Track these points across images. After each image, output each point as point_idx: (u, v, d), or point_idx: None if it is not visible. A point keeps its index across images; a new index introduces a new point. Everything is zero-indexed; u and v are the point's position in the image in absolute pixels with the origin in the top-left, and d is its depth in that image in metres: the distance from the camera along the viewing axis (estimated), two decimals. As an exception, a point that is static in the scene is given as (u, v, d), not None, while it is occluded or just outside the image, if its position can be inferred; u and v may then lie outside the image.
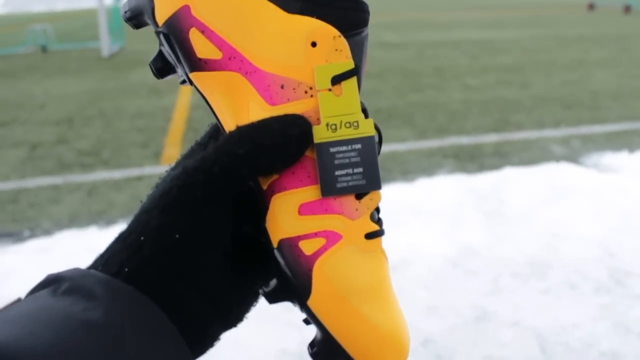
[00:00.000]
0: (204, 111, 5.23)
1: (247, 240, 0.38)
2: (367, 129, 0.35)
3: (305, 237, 0.35)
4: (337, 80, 0.34)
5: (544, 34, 9.97)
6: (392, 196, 3.06)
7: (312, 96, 0.34)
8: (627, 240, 2.55)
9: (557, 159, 3.70)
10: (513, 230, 2.67)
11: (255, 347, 1.91)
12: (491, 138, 4.29)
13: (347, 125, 0.35)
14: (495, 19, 12.44)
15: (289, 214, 0.35)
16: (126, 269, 0.33)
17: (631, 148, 3.90)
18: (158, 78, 0.40)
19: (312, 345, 0.38)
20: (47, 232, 2.92)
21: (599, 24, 11.31)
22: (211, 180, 0.33)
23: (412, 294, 2.19)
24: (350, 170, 0.35)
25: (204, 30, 0.34)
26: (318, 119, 0.34)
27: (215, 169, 0.33)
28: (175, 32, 0.35)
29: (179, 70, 0.38)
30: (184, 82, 0.39)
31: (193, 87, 0.38)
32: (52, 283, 0.32)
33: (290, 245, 0.35)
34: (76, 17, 16.89)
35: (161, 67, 0.38)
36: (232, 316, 0.37)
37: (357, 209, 0.35)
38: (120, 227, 2.06)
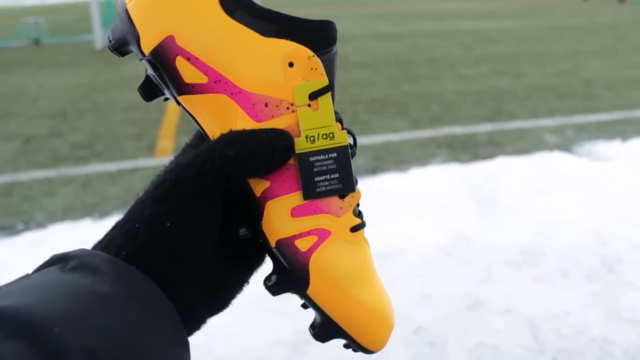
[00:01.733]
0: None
1: (235, 237, 0.42)
2: (341, 139, 0.39)
3: (300, 236, 0.39)
4: (314, 96, 0.38)
5: (538, 24, 9.96)
6: (386, 186, 3.07)
7: (293, 112, 0.38)
8: (618, 228, 2.57)
9: (551, 148, 3.72)
10: (506, 219, 2.68)
11: (249, 337, 1.92)
12: (485, 128, 4.29)
13: (324, 136, 0.39)
14: (489, 9, 12.42)
15: (283, 217, 0.39)
16: (123, 253, 0.36)
17: (624, 137, 3.91)
18: (147, 101, 0.43)
19: (312, 327, 0.43)
20: (41, 225, 2.92)
21: (594, 14, 11.31)
22: (202, 176, 0.36)
23: (406, 282, 2.20)
24: (328, 176, 0.39)
25: (189, 58, 0.38)
26: (299, 132, 0.38)
27: (206, 166, 0.36)
28: (162, 60, 0.38)
29: (167, 92, 0.40)
30: (167, 99, 0.42)
31: (180, 107, 0.41)
32: (59, 261, 0.35)
33: (287, 244, 0.39)
34: (69, 9, 16.79)
35: (150, 91, 0.41)
36: (218, 302, 0.41)
37: (341, 207, 0.40)
38: (114, 220, 2.06)
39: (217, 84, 0.38)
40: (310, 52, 0.38)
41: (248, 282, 0.43)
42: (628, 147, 3.69)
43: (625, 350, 1.87)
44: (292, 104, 0.38)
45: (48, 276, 0.33)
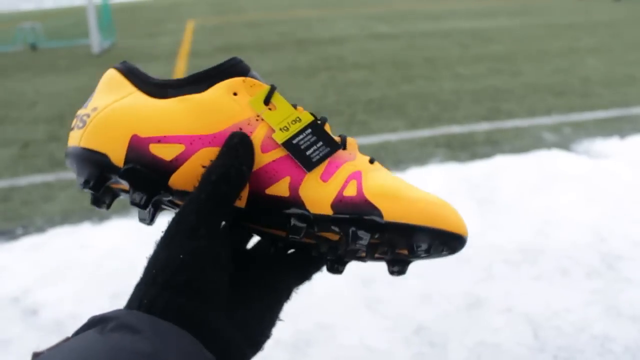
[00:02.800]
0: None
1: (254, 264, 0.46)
2: (307, 117, 0.46)
3: (343, 188, 0.44)
4: (267, 101, 0.45)
5: (534, 22, 9.97)
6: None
7: (262, 120, 0.44)
8: (618, 226, 2.57)
9: (549, 146, 3.72)
10: (505, 217, 2.68)
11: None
12: (483, 127, 4.30)
13: (293, 122, 0.45)
14: (485, 9, 12.43)
15: (318, 188, 0.44)
16: (145, 301, 0.37)
17: (622, 134, 3.92)
18: (149, 223, 0.46)
19: (391, 266, 0.47)
20: (41, 229, 2.92)
21: (590, 12, 11.32)
22: (201, 205, 0.39)
23: (405, 282, 2.20)
24: (315, 147, 0.45)
25: (160, 140, 0.42)
26: (273, 130, 0.44)
27: (202, 196, 0.40)
28: (139, 157, 0.42)
29: (151, 195, 0.43)
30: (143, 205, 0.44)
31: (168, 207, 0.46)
32: (98, 323, 0.36)
33: (339, 200, 0.43)
34: (65, 14, 16.77)
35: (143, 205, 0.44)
36: (255, 333, 0.43)
37: (350, 153, 0.47)
38: (113, 223, 2.09)
39: (193, 144, 0.42)
40: (241, 78, 0.45)
41: (280, 312, 0.46)
42: (626, 144, 3.69)
43: (626, 347, 1.87)
44: (257, 116, 0.44)
45: (88, 339, 0.34)
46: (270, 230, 0.45)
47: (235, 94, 0.44)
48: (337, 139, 0.47)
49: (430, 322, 2.00)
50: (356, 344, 1.91)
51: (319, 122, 0.47)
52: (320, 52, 7.73)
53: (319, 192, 0.43)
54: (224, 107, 0.44)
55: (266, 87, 0.45)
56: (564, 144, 3.79)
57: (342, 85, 5.79)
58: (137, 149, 0.42)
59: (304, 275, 0.48)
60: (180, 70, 6.87)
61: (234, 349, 0.39)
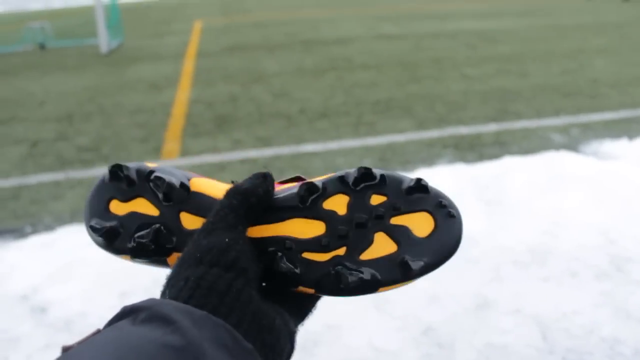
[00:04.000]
0: (203, 106, 5.22)
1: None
2: None
3: None
4: None
5: (542, 23, 9.94)
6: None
7: None
8: (627, 227, 2.55)
9: (557, 147, 3.71)
10: (513, 218, 2.67)
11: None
12: (491, 128, 4.29)
13: None
14: (492, 10, 12.40)
15: None
16: (192, 278, 0.39)
17: (630, 135, 3.90)
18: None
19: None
20: (49, 227, 2.93)
21: (598, 13, 11.27)
22: (235, 209, 0.44)
23: (413, 283, 2.19)
24: None
25: None
26: None
27: (234, 202, 0.44)
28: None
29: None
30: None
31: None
32: (130, 313, 0.35)
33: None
34: (74, 14, 16.84)
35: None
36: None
37: None
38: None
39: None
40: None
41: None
42: (635, 146, 3.67)
43: (636, 349, 1.86)
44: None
45: (119, 332, 0.33)
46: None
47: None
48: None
49: (438, 323, 2.00)
50: (364, 345, 1.90)
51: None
52: (327, 53, 7.73)
53: None
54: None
55: None
56: (572, 145, 3.78)
57: (349, 85, 5.78)
58: None
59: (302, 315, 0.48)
60: (188, 71, 6.88)
61: (278, 330, 0.40)
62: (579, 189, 2.93)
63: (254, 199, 0.45)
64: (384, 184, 0.46)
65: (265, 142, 4.14)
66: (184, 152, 4.03)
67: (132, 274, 2.30)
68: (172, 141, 4.30)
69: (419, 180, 0.46)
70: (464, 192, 2.95)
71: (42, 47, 9.79)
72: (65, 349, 0.33)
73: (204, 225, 0.43)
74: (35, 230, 2.92)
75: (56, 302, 2.21)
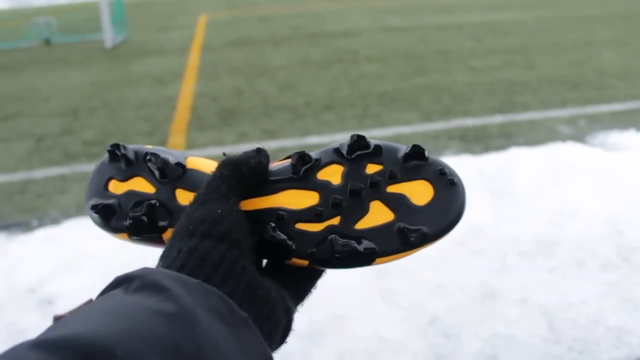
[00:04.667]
0: (209, 100, 5.22)
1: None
2: None
3: None
4: None
5: (549, 15, 9.87)
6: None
7: None
8: (634, 218, 2.54)
9: (564, 138, 3.69)
10: (519, 209, 2.66)
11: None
12: (497, 119, 4.27)
13: None
14: (499, 1, 12.32)
15: None
16: (185, 249, 0.39)
17: (638, 126, 3.87)
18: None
19: None
20: (55, 221, 2.94)
21: (606, 4, 11.18)
22: (227, 179, 0.43)
23: (420, 274, 2.19)
24: None
25: None
26: None
27: (225, 173, 0.43)
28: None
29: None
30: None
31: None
32: (122, 283, 0.35)
33: None
34: (79, 9, 16.86)
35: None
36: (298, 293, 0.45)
37: None
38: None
39: None
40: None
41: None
42: (642, 137, 3.65)
43: (643, 339, 1.85)
44: None
45: (111, 300, 0.33)
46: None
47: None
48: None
49: (444, 313, 1.99)
50: (370, 335, 1.90)
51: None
52: (333, 46, 7.71)
53: None
54: None
55: None
56: (579, 137, 3.75)
57: (355, 78, 5.77)
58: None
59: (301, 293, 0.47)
60: (193, 65, 6.88)
61: (274, 301, 0.40)
62: (586, 179, 2.91)
63: (246, 169, 0.44)
64: (379, 152, 0.45)
65: (270, 135, 4.14)
66: (190, 146, 4.04)
67: (138, 266, 2.30)
68: (177, 134, 4.30)
69: (415, 146, 0.44)
70: (470, 184, 2.93)
71: (47, 42, 9.81)
72: (57, 318, 0.33)
73: (196, 197, 0.42)
74: (41, 224, 2.93)
75: (63, 294, 2.22)
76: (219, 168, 0.44)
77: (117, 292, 0.34)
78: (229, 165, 0.44)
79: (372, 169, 0.44)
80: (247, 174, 0.44)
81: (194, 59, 7.27)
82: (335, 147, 0.45)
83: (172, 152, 0.49)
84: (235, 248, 0.39)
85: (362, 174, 0.44)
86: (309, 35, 8.81)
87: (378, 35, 8.43)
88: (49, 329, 0.31)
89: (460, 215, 0.43)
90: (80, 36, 10.19)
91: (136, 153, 0.49)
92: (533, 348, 1.84)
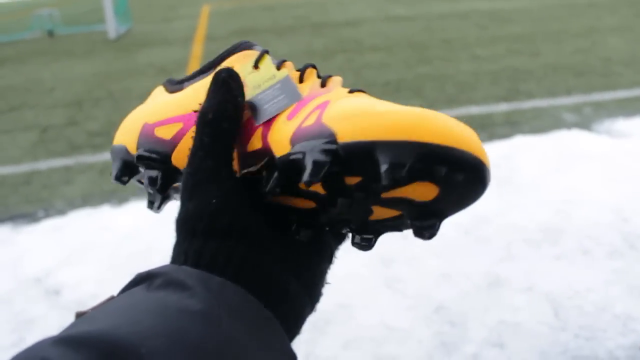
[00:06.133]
0: (212, 89, 5.21)
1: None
2: (281, 75, 0.44)
3: (303, 121, 0.38)
4: (255, 65, 0.45)
5: (554, 2, 9.80)
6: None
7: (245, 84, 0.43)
8: (640, 205, 2.53)
9: (569, 126, 3.67)
10: (525, 197, 2.65)
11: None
12: (501, 107, 4.25)
13: (267, 80, 0.44)
14: (504, -11, 12.24)
15: (283, 127, 0.39)
16: (190, 253, 0.36)
17: (644, 113, 3.85)
18: (156, 210, 0.48)
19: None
20: (61, 212, 2.95)
21: (611, -9, 11.10)
22: (210, 148, 0.39)
23: (425, 262, 2.19)
24: (274, 100, 0.42)
25: (163, 122, 0.45)
26: (245, 87, 0.43)
27: (205, 139, 0.39)
28: (146, 142, 0.45)
29: (155, 175, 0.45)
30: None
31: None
32: (144, 280, 0.34)
33: (296, 133, 0.37)
34: (82, 0, 16.84)
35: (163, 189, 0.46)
36: (317, 289, 0.41)
37: (328, 89, 0.43)
38: (132, 205, 2.09)
39: (190, 119, 0.43)
40: (241, 53, 0.46)
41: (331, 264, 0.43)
42: (648, 124, 3.62)
43: (649, 326, 1.85)
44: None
45: (134, 297, 0.32)
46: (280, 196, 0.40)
47: (233, 67, 0.44)
48: (311, 82, 0.44)
49: (450, 301, 1.99)
50: (376, 323, 1.91)
51: (297, 71, 0.45)
52: (337, 35, 7.68)
53: (281, 132, 0.38)
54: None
55: (255, 54, 0.45)
56: (585, 124, 3.73)
57: (359, 67, 5.75)
58: (145, 135, 0.45)
59: (341, 235, 0.44)
60: (197, 55, 6.87)
61: (293, 295, 0.37)
62: (592, 167, 2.90)
63: (226, 123, 0.39)
64: (349, 163, 0.34)
65: (274, 125, 4.13)
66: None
67: (144, 256, 2.31)
68: (181, 125, 4.30)
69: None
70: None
71: (50, 34, 9.80)
72: (79, 315, 0.32)
73: (184, 180, 0.38)
74: (47, 215, 2.94)
75: (69, 284, 2.23)
76: (197, 134, 0.39)
77: (139, 289, 0.33)
78: (206, 128, 0.39)
79: (351, 180, 0.35)
80: (230, 127, 0.39)
81: (197, 49, 7.26)
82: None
83: None
84: (243, 241, 0.36)
85: (345, 185, 0.36)
86: (313, 25, 8.77)
87: (382, 25, 8.39)
88: (72, 326, 0.30)
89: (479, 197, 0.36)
90: (83, 27, 10.18)
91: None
92: (539, 335, 1.84)
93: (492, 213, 2.51)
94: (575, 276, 2.10)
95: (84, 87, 5.75)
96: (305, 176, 0.34)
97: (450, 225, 2.42)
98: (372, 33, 7.68)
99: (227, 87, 0.40)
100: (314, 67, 0.46)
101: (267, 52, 0.46)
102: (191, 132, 0.41)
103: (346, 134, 0.33)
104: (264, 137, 0.40)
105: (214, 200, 0.37)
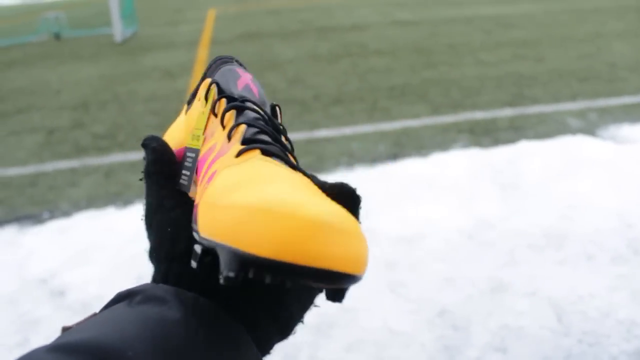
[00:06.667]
0: (218, 93, 5.22)
1: None
2: (197, 144, 0.46)
3: (201, 193, 0.39)
4: (213, 106, 0.46)
5: (559, 7, 9.79)
6: (407, 171, 3.06)
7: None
8: (645, 211, 2.53)
9: (574, 131, 3.66)
10: (529, 202, 2.65)
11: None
12: (506, 112, 4.25)
13: (196, 137, 0.46)
14: (509, -6, 12.24)
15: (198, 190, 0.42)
16: (157, 277, 0.41)
17: (649, 119, 3.84)
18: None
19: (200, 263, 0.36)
20: (66, 213, 2.96)
21: (616, -4, 11.08)
22: (149, 187, 0.46)
23: (429, 266, 2.19)
24: (186, 171, 0.45)
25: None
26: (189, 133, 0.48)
27: (148, 181, 0.46)
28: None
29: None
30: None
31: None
32: (125, 297, 0.37)
33: (195, 209, 0.39)
34: (88, 4, 16.90)
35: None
36: (283, 317, 0.41)
37: (229, 146, 0.41)
38: (136, 208, 2.10)
39: (179, 153, 0.49)
40: (208, 83, 0.49)
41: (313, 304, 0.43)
42: (653, 130, 3.62)
43: (653, 331, 1.85)
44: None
45: (116, 312, 0.35)
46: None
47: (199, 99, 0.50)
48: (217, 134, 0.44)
49: (453, 305, 1.99)
50: (379, 327, 1.91)
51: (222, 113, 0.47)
52: (342, 39, 7.69)
53: (206, 207, 0.35)
54: (192, 119, 0.49)
55: (209, 90, 0.49)
56: (590, 130, 3.73)
57: (364, 71, 5.76)
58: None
59: (306, 302, 0.42)
60: (202, 59, 6.89)
61: (252, 319, 0.38)
62: (596, 172, 2.89)
63: (157, 175, 0.46)
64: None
65: (279, 129, 4.13)
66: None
67: (147, 259, 2.32)
68: (186, 128, 4.31)
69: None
70: (479, 177, 2.93)
71: (57, 37, 9.85)
72: (65, 329, 0.35)
73: (143, 217, 0.45)
74: (52, 216, 2.96)
75: (74, 285, 2.24)
76: (145, 177, 0.46)
77: (121, 305, 0.36)
78: (147, 177, 0.46)
79: None
80: (161, 173, 0.45)
81: (203, 53, 7.28)
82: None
83: None
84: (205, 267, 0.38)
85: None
86: (318, 29, 8.79)
87: (387, 29, 8.40)
88: (61, 337, 0.33)
89: None
90: (90, 30, 10.22)
91: None
92: (542, 340, 1.84)
93: (496, 218, 2.51)
94: (578, 281, 2.09)
95: (90, 89, 5.77)
96: (192, 263, 0.37)
97: (454, 230, 2.43)
98: (377, 37, 7.69)
99: (155, 153, 0.46)
100: (241, 107, 0.44)
101: (216, 83, 0.48)
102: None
103: (203, 228, 0.34)
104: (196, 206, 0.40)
105: (169, 229, 0.41)
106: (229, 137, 0.41)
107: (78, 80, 6.28)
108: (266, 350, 0.40)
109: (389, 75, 5.54)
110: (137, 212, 2.84)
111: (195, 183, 0.43)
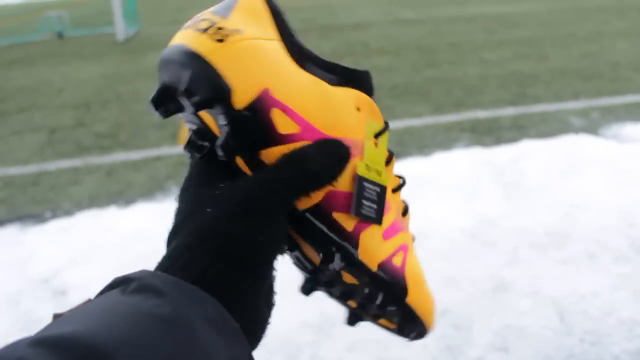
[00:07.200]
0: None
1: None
2: (385, 179, 0.45)
3: (393, 255, 0.46)
4: (377, 135, 0.44)
5: (562, 6, 9.78)
6: (409, 170, 3.05)
7: (363, 145, 0.43)
8: (647, 210, 2.52)
9: (576, 130, 3.66)
10: (531, 201, 2.65)
11: (274, 320, 1.92)
12: (509, 111, 4.24)
13: (376, 172, 0.44)
14: (512, -7, 12.23)
15: (377, 242, 0.44)
16: (210, 274, 0.36)
17: (652, 118, 3.83)
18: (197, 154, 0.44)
19: (400, 331, 0.52)
20: (68, 212, 2.97)
21: (619, -5, 11.06)
22: (282, 190, 0.38)
23: (430, 265, 2.18)
24: (370, 204, 0.43)
25: (285, 110, 0.40)
26: (362, 159, 0.43)
27: (284, 178, 0.39)
28: (259, 113, 0.39)
29: (220, 148, 0.40)
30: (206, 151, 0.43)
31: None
32: (120, 284, 0.35)
33: (387, 264, 0.45)
34: (91, 2, 16.92)
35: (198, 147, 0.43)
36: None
37: (404, 223, 0.49)
38: (139, 207, 2.10)
39: (306, 132, 0.40)
40: (369, 98, 0.44)
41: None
42: (656, 129, 3.61)
43: (655, 331, 1.84)
44: (362, 142, 0.43)
45: (109, 299, 0.33)
46: (305, 247, 0.44)
47: (358, 109, 0.43)
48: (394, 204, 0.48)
49: (455, 304, 1.99)
50: (380, 326, 1.91)
51: (395, 188, 0.49)
52: (344, 38, 7.69)
53: (375, 246, 0.44)
54: (345, 116, 0.42)
55: (382, 123, 0.45)
56: (592, 129, 3.72)
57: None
58: (262, 104, 0.39)
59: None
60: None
61: (264, 316, 0.40)
62: (599, 171, 2.89)
63: (311, 184, 0.41)
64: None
65: (281, 128, 4.14)
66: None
67: (150, 257, 2.32)
68: (188, 127, 4.31)
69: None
70: (481, 176, 2.93)
71: (59, 36, 9.86)
72: (56, 316, 0.34)
73: (241, 205, 0.38)
74: (54, 215, 2.96)
75: (76, 284, 2.25)
76: (279, 170, 0.39)
77: (115, 292, 0.34)
78: (289, 171, 0.39)
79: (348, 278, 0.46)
80: (305, 187, 0.41)
81: (205, 52, 7.28)
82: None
83: None
84: (237, 270, 0.37)
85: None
86: (321, 28, 8.79)
87: (389, 28, 8.39)
88: (48, 327, 0.31)
89: None
90: (92, 29, 10.23)
91: None
92: (544, 340, 1.83)
93: (498, 217, 2.50)
94: (581, 281, 2.09)
95: (93, 89, 5.78)
96: (360, 295, 0.47)
97: (456, 229, 2.43)
98: (379, 36, 7.69)
99: (337, 163, 0.41)
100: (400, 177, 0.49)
101: (387, 127, 0.46)
102: (299, 144, 0.40)
103: (413, 298, 0.47)
104: (358, 228, 0.43)
105: (261, 239, 0.37)
106: (404, 214, 0.49)
107: (80, 79, 6.29)
108: (255, 345, 0.39)
109: (391, 74, 5.54)
110: (139, 211, 2.84)
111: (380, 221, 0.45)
